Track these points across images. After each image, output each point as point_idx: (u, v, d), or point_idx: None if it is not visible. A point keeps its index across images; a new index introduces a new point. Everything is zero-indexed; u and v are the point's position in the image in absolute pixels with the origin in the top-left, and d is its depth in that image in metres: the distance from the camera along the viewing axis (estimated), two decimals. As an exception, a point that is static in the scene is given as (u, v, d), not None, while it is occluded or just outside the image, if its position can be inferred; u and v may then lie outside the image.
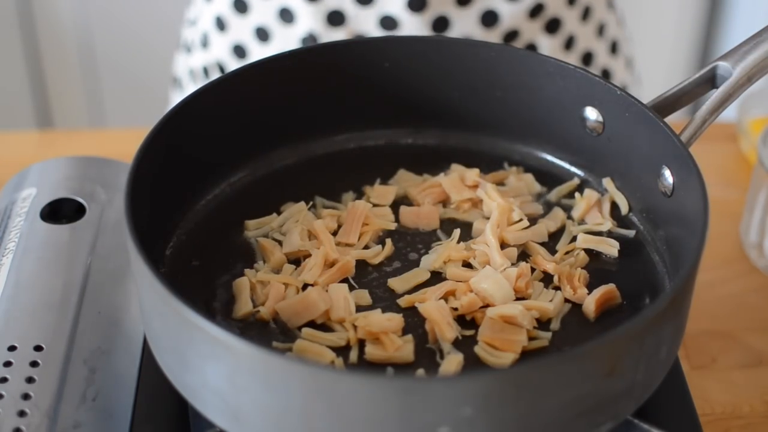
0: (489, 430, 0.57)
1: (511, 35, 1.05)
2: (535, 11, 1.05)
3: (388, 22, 1.03)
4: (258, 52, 1.07)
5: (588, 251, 0.75)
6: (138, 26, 1.85)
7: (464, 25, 1.04)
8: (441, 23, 1.03)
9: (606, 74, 1.15)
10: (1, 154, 1.07)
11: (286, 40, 1.05)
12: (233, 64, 1.10)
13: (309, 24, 1.04)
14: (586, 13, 1.10)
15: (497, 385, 0.56)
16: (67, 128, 1.94)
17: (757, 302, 0.91)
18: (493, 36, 1.04)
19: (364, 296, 0.71)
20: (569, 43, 1.09)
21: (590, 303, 0.70)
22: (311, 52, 0.80)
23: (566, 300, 0.71)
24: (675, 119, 0.74)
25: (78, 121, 1.96)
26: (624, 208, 0.77)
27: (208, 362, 0.59)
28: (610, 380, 0.59)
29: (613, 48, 1.16)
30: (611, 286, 0.71)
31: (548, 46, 1.08)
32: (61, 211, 0.82)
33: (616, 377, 0.59)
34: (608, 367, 0.59)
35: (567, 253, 0.75)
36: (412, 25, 1.02)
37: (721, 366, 0.84)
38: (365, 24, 1.03)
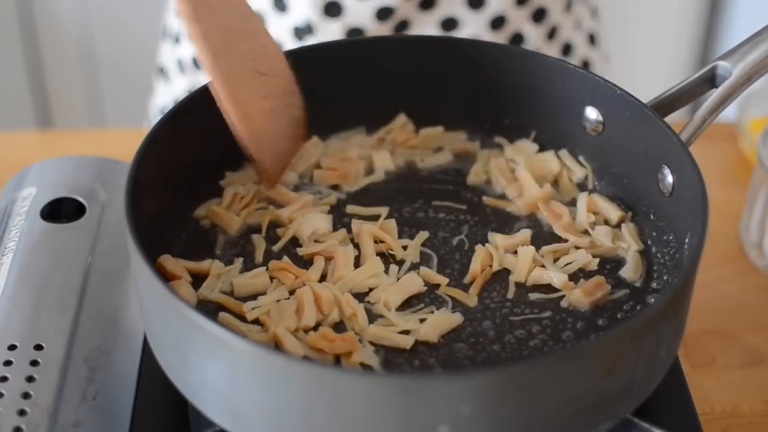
0: (488, 429, 0.57)
1: (498, 21, 1.05)
2: None
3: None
4: None
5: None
6: (138, 26, 1.85)
7: (450, 5, 1.04)
8: (427, 2, 1.03)
9: (585, 65, 1.15)
10: (1, 154, 1.07)
11: (278, 28, 1.05)
12: None
13: (304, 13, 1.04)
14: (569, 5, 1.11)
15: (496, 383, 0.56)
16: (67, 128, 1.94)
17: (757, 302, 0.91)
18: (480, 19, 1.04)
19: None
20: (552, 34, 1.10)
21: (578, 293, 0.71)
22: (310, 52, 0.80)
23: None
24: (675, 119, 0.74)
25: (78, 121, 1.96)
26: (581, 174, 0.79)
27: (209, 361, 0.59)
28: (609, 379, 0.59)
29: (591, 40, 1.16)
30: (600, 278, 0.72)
31: (534, 35, 1.08)
32: (61, 211, 0.82)
33: (615, 376, 0.59)
34: (608, 366, 0.59)
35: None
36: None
37: (721, 365, 0.84)
38: (360, 17, 1.03)
